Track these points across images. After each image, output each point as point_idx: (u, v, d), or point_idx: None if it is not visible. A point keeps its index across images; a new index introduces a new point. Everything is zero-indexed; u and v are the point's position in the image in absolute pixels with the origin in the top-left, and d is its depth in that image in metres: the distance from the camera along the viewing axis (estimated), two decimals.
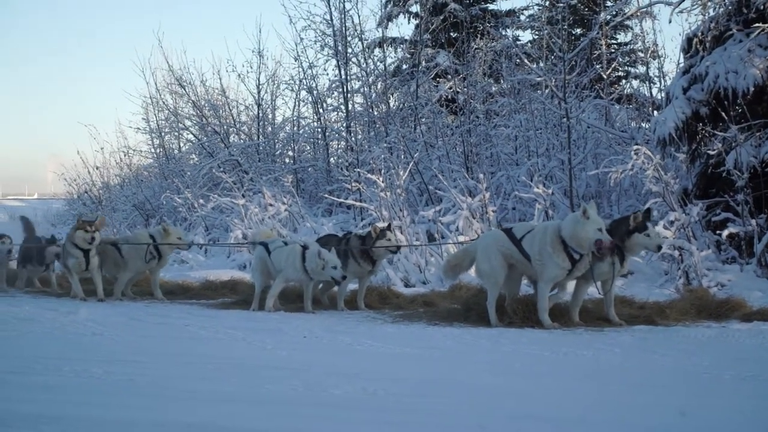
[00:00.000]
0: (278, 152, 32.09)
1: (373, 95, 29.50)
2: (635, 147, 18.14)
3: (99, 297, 16.48)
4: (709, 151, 18.25)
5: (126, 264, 16.85)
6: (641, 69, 32.41)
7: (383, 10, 34.63)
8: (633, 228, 12.42)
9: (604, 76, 25.97)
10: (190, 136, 35.24)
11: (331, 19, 29.12)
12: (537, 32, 34.27)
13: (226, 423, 6.38)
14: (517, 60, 28.06)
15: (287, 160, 31.89)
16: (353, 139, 28.17)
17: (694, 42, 18.94)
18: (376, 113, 29.11)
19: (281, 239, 15.62)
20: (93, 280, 16.69)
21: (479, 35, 30.64)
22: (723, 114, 17.79)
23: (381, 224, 16.28)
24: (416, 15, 36.38)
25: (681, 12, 19.64)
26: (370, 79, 29.57)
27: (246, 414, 6.70)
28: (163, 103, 35.62)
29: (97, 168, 37.49)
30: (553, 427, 6.45)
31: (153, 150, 36.91)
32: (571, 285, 12.86)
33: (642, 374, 8.84)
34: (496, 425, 6.51)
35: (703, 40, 18.67)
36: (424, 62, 31.33)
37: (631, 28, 33.76)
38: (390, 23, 36.40)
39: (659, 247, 13.03)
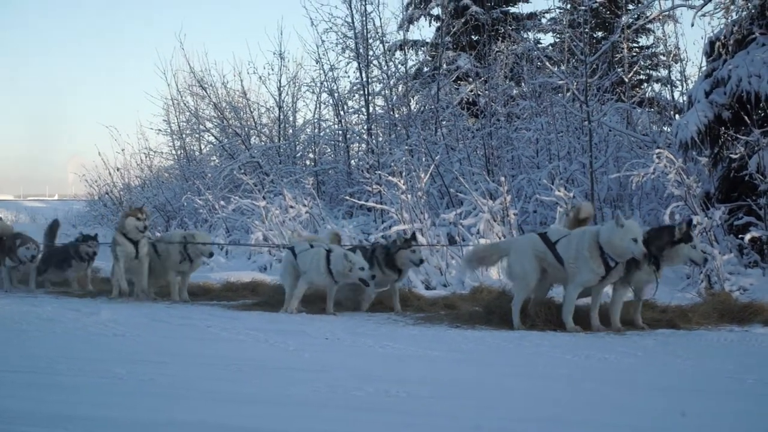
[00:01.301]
0: (299, 154, 32.16)
1: (394, 98, 29.55)
2: (657, 150, 18.13)
3: (142, 289, 16.59)
4: (731, 155, 18.21)
5: (164, 262, 16.93)
6: (663, 72, 32.48)
7: (404, 13, 34.62)
8: (679, 239, 12.29)
9: (626, 80, 25.95)
10: (211, 138, 35.31)
11: (353, 22, 29.18)
12: (558, 35, 34.29)
13: (248, 424, 6.41)
14: (539, 63, 28.04)
15: (308, 162, 31.96)
16: (374, 141, 28.20)
17: (716, 46, 18.90)
18: (397, 116, 29.15)
19: (307, 242, 15.59)
20: (140, 272, 16.77)
21: (500, 38, 30.65)
22: (746, 118, 17.75)
23: (406, 235, 16.32)
24: (437, 18, 36.39)
25: (703, 15, 19.62)
26: (391, 82, 29.61)
27: (267, 415, 6.73)
28: (185, 104, 35.72)
29: (117, 169, 37.52)
30: (576, 431, 6.45)
31: (174, 151, 37.03)
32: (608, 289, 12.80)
33: (664, 378, 8.82)
34: (517, 428, 6.51)
35: (725, 43, 18.63)
36: (445, 65, 31.31)
37: (653, 32, 33.76)
38: (411, 26, 36.39)
39: (706, 260, 13.02)
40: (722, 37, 18.76)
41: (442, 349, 10.56)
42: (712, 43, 19.33)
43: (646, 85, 35.03)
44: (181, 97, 35.56)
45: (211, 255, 17.44)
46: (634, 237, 11.83)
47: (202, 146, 36.72)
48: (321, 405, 7.15)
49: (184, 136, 36.37)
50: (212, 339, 11.42)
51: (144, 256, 16.72)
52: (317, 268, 14.31)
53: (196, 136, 36.61)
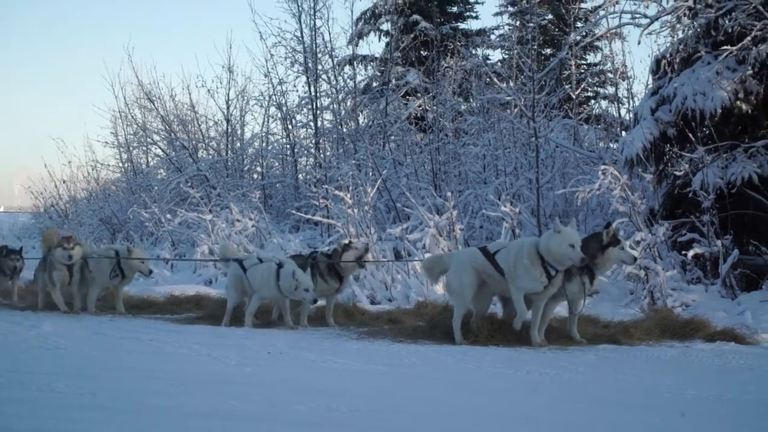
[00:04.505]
0: (246, 168, 32.16)
1: (343, 112, 29.61)
2: (602, 167, 18.24)
3: (75, 310, 16.48)
4: (675, 172, 18.35)
5: (93, 279, 16.80)
6: (610, 89, 32.65)
7: (354, 28, 34.68)
8: (607, 243, 12.37)
9: (573, 96, 26.12)
10: (159, 151, 35.18)
11: (302, 36, 29.32)
12: (507, 52, 34.43)
13: None
14: (487, 79, 28.17)
15: (255, 176, 31.96)
16: (322, 155, 28.21)
17: (662, 63, 19.02)
18: (345, 130, 29.22)
19: (256, 256, 15.52)
20: (72, 294, 16.69)
21: (449, 54, 30.78)
22: (690, 135, 17.88)
23: (345, 240, 16.29)
24: (387, 33, 36.47)
25: (650, 34, 19.70)
26: (340, 96, 29.74)
27: (207, 429, 6.68)
28: (132, 117, 35.57)
29: (64, 182, 37.43)
30: None
31: (121, 164, 36.83)
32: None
33: (604, 393, 8.87)
34: None
35: (671, 61, 18.75)
36: (394, 80, 31.43)
37: (601, 49, 34.05)
38: (360, 41, 36.59)
39: (635, 259, 13.09)
40: (668, 55, 18.88)
41: (385, 363, 10.57)
42: (658, 61, 19.47)
43: (593, 101, 35.30)
44: (129, 109, 35.46)
45: (150, 273, 17.34)
46: (571, 243, 11.86)
47: (150, 159, 36.61)
48: (261, 419, 7.13)
49: (131, 148, 36.23)
50: (154, 353, 11.35)
51: (75, 283, 16.71)
52: (268, 283, 14.27)
53: (144, 148, 36.48)
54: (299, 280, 13.94)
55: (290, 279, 13.95)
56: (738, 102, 17.96)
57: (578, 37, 26.60)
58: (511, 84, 26.74)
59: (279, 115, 31.26)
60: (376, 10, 36.85)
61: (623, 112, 27.36)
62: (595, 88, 36.13)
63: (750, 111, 18.06)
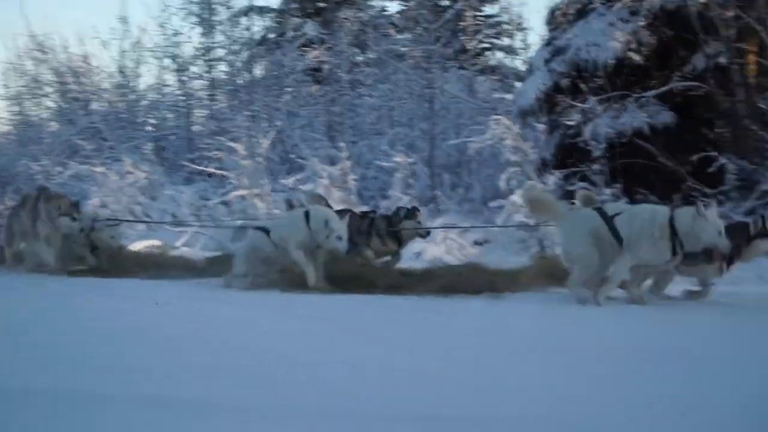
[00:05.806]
0: (140, 120, 31.71)
1: (238, 64, 29.34)
2: (495, 117, 18.28)
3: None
4: (567, 122, 18.47)
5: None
6: (506, 41, 32.75)
7: None
8: (755, 234, 11.78)
9: (469, 48, 26.13)
10: (51, 103, 34.57)
11: None
12: (404, 3, 34.39)
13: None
14: (384, 30, 28.10)
15: (149, 128, 31.52)
16: (216, 107, 27.96)
17: (557, 14, 19.11)
18: (240, 82, 28.96)
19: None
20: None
21: (346, 5, 30.66)
22: (583, 86, 17.98)
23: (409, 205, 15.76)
24: None
25: None
26: (235, 48, 29.39)
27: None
28: (24, 69, 34.89)
29: None
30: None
31: (12, 117, 36.14)
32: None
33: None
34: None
35: (566, 12, 18.85)
36: (291, 31, 31.22)
37: (497, 0, 34.04)
38: None
39: None
40: (563, 6, 18.97)
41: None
42: (552, 12, 19.57)
43: (489, 53, 35.36)
44: (21, 61, 34.76)
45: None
46: (719, 230, 11.13)
47: (41, 111, 35.95)
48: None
49: (22, 100, 35.54)
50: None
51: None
52: (298, 227, 12.77)
53: (36, 101, 35.82)
54: (333, 227, 12.53)
55: (323, 226, 12.55)
56: (630, 53, 18.10)
57: None
58: (408, 35, 26.67)
59: (173, 66, 30.91)
60: None
61: (518, 63, 27.51)
62: (492, 40, 36.20)
63: (642, 62, 18.21)
